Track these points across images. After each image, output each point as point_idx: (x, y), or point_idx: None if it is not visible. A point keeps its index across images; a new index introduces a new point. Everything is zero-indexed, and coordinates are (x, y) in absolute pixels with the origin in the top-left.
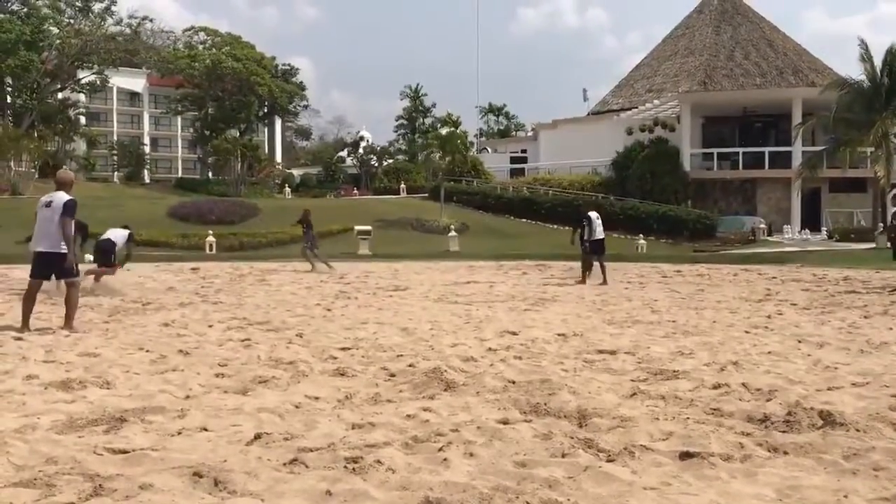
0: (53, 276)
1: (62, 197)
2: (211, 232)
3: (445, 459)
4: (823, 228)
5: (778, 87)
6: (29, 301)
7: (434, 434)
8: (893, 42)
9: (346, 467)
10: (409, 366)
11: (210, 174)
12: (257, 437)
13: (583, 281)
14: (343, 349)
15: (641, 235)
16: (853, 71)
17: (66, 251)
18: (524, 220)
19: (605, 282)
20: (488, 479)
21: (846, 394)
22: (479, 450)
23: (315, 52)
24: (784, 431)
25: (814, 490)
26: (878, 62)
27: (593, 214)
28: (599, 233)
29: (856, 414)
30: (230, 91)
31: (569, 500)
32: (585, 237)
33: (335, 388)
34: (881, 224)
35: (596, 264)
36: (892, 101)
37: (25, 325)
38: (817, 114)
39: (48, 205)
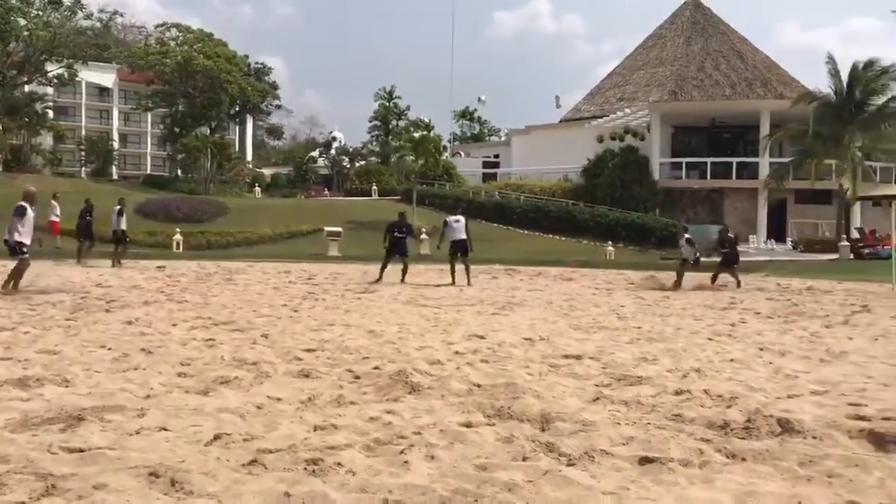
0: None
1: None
2: (178, 230)
3: (406, 462)
4: (789, 239)
5: (747, 99)
6: None
7: (396, 436)
8: (858, 58)
9: (305, 469)
10: (375, 368)
11: (179, 172)
12: (217, 437)
13: (452, 282)
14: (308, 350)
15: (610, 242)
16: (823, 84)
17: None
18: (496, 224)
19: (468, 282)
20: (448, 482)
21: (805, 402)
22: (440, 453)
23: (289, 51)
24: (743, 438)
25: (769, 496)
26: (845, 76)
27: (452, 218)
28: (460, 234)
29: (813, 422)
30: (201, 88)
31: (527, 503)
32: (446, 239)
33: (298, 389)
34: (845, 235)
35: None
36: (858, 115)
37: None
38: (785, 126)
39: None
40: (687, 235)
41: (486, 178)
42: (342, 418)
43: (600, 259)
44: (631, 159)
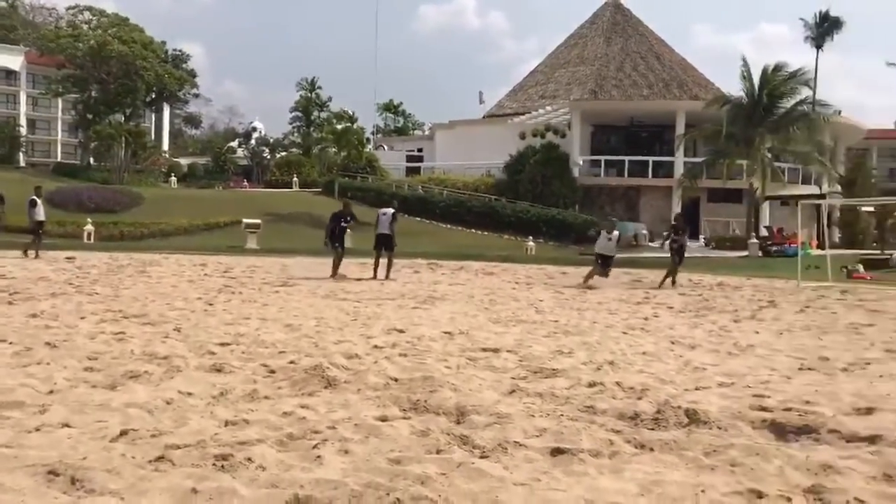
0: None
1: None
2: (90, 220)
3: (319, 457)
4: (701, 236)
5: (663, 100)
6: None
7: (310, 431)
8: (768, 62)
9: (214, 464)
10: (290, 362)
11: (91, 160)
12: (123, 433)
13: (374, 276)
14: (222, 344)
15: (531, 238)
16: (736, 86)
17: None
18: (419, 218)
19: (387, 276)
20: (361, 476)
21: (712, 393)
22: (354, 447)
23: (209, 39)
24: (652, 429)
25: (674, 485)
26: (756, 80)
27: (381, 211)
28: (383, 228)
29: (719, 413)
30: (115, 74)
31: (439, 496)
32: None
33: (211, 384)
34: (754, 233)
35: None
36: (768, 117)
37: None
38: (699, 126)
39: None
40: (616, 232)
41: (410, 171)
42: (255, 413)
43: (521, 254)
44: (552, 156)
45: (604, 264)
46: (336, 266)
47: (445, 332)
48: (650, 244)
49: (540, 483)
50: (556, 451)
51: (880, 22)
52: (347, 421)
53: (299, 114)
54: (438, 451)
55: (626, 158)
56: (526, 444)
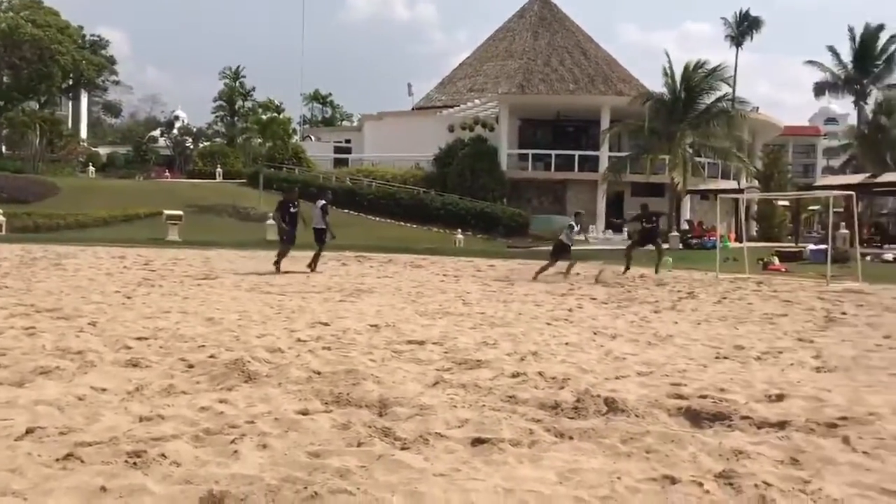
0: None
1: None
2: (1, 211)
3: (236, 452)
4: (625, 229)
5: (589, 95)
6: None
7: (227, 426)
8: (690, 59)
9: (126, 462)
10: (210, 357)
11: (3, 148)
12: (29, 431)
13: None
14: (140, 339)
15: (460, 231)
16: (659, 83)
17: None
18: (346, 210)
19: (313, 269)
20: (279, 470)
21: (631, 382)
22: (273, 441)
23: (130, 25)
24: (572, 418)
25: (591, 472)
26: (678, 77)
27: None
28: (316, 221)
29: (637, 401)
30: (29, 59)
31: (358, 488)
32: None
33: (126, 379)
34: (675, 227)
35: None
36: (689, 113)
37: None
38: (624, 122)
39: None
40: (570, 223)
41: (338, 163)
42: (171, 408)
43: (450, 247)
44: (480, 149)
45: (564, 254)
46: (281, 258)
47: (371, 325)
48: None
49: (459, 473)
50: (477, 441)
51: (797, 22)
52: (267, 415)
53: (223, 103)
54: (359, 444)
55: (553, 152)
56: (447, 434)
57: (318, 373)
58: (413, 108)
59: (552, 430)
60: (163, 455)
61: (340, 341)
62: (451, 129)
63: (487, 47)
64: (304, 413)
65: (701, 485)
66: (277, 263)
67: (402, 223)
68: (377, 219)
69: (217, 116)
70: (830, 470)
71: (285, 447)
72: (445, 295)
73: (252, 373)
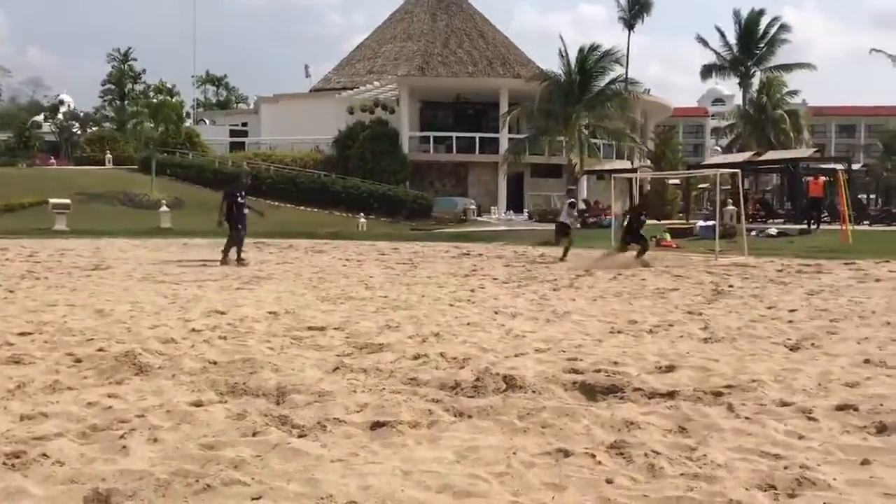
0: None
1: None
2: None
3: (125, 447)
4: (526, 210)
5: (487, 77)
6: None
7: (116, 421)
8: (584, 42)
9: (4, 464)
10: (99, 350)
11: None
12: None
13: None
14: (22, 334)
15: (362, 214)
16: (556, 65)
17: None
18: None
19: (223, 258)
20: (170, 464)
21: (529, 359)
22: (164, 434)
23: (8, 3)
24: (471, 396)
25: (488, 450)
26: (573, 59)
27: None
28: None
29: (535, 377)
30: None
31: (253, 478)
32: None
33: (6, 377)
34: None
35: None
36: (584, 95)
37: None
38: (522, 104)
39: None
40: (570, 200)
41: (234, 147)
42: (55, 406)
43: (353, 231)
44: (381, 132)
45: (565, 232)
46: (228, 249)
47: (270, 313)
48: (478, 218)
49: (357, 458)
50: (376, 425)
51: (687, 4)
52: (158, 408)
53: (112, 86)
54: (254, 434)
55: (454, 135)
56: (346, 420)
57: (214, 363)
58: (311, 90)
59: (451, 409)
60: (44, 455)
61: (237, 330)
62: (351, 112)
63: (385, 29)
64: (198, 404)
65: (593, 456)
66: (226, 254)
67: (303, 208)
68: (276, 203)
69: (105, 101)
70: (715, 436)
71: (177, 440)
72: (348, 280)
73: (144, 365)
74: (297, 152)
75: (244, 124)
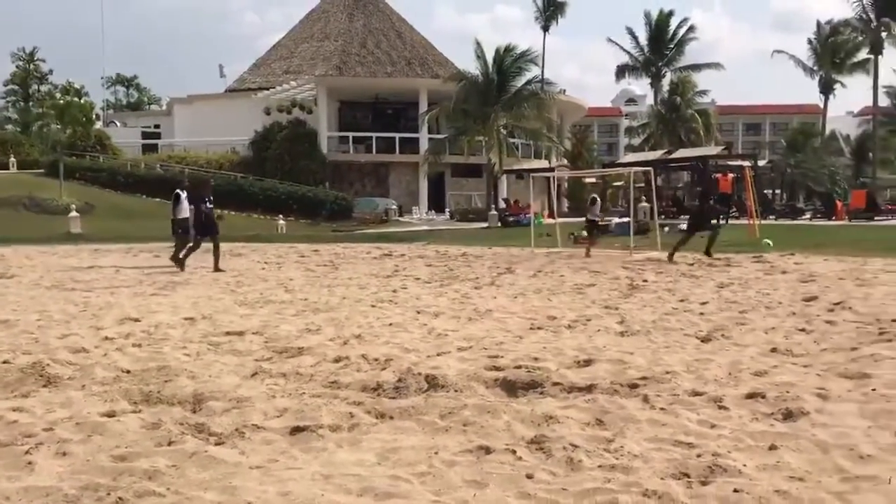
0: None
1: None
2: None
3: (30, 463)
4: (447, 209)
5: (406, 77)
6: None
7: (21, 436)
8: (501, 43)
9: None
10: (4, 362)
11: None
12: None
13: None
14: None
15: (281, 216)
16: (473, 66)
17: None
18: (158, 199)
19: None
20: (80, 478)
21: (451, 358)
22: (74, 448)
23: None
24: (393, 398)
25: (410, 450)
26: (490, 60)
27: (184, 193)
28: (184, 212)
29: (456, 376)
30: None
31: (168, 489)
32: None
33: None
34: (493, 205)
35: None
36: (502, 95)
37: None
38: (441, 104)
39: None
40: (593, 195)
41: (147, 149)
42: None
43: (272, 233)
44: (299, 133)
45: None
46: (188, 255)
47: (187, 318)
48: (399, 218)
49: (277, 464)
50: (296, 430)
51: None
52: (68, 420)
53: (16, 87)
54: (170, 443)
55: (374, 135)
56: (265, 426)
57: (127, 371)
58: (226, 91)
59: (373, 411)
60: None
61: (152, 337)
62: (268, 112)
63: (302, 28)
64: (110, 415)
65: (514, 452)
66: (183, 258)
67: (219, 210)
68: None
69: (8, 102)
70: (632, 427)
71: (88, 453)
72: (267, 283)
73: (52, 376)
74: (212, 154)
75: (157, 126)
